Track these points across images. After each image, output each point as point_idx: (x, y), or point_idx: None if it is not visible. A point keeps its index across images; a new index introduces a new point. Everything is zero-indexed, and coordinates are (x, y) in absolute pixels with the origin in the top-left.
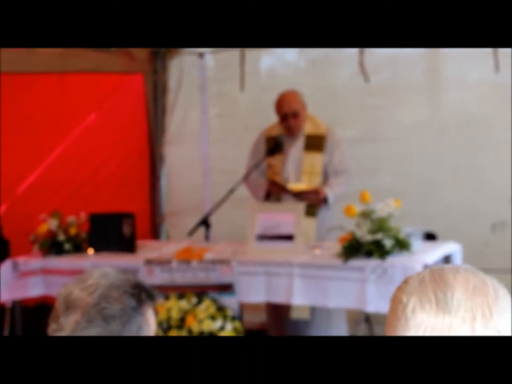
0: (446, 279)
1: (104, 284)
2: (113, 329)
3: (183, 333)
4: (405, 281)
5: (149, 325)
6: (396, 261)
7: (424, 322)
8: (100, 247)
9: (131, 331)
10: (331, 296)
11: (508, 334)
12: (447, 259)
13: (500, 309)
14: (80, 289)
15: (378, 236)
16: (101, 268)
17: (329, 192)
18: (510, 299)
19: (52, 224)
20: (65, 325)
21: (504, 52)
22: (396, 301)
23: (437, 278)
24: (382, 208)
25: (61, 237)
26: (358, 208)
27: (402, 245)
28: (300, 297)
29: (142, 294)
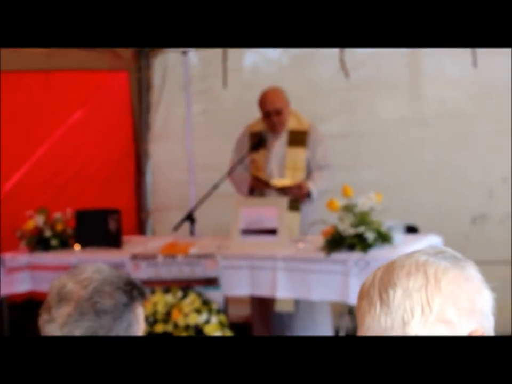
0: (391, 277)
1: (98, 278)
2: (104, 324)
3: (169, 327)
4: (362, 284)
5: (138, 322)
6: (378, 254)
7: (370, 326)
8: (86, 243)
9: (121, 327)
10: (314, 289)
11: (464, 316)
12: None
13: (442, 299)
14: (74, 283)
15: (361, 229)
16: (95, 263)
17: (313, 187)
18: (463, 281)
19: (39, 220)
20: (57, 317)
21: (482, 48)
22: (356, 307)
23: (384, 277)
24: (364, 202)
25: (48, 233)
26: (340, 202)
27: (384, 238)
28: (283, 291)
29: (134, 291)
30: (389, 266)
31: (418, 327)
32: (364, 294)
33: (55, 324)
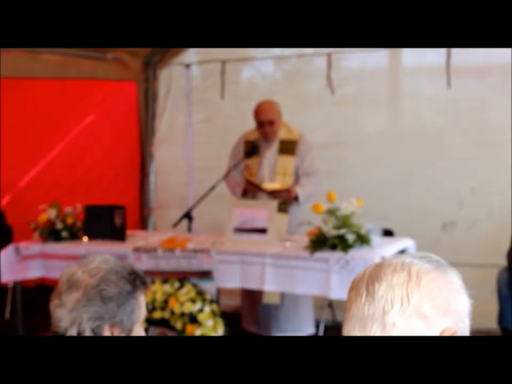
0: (379, 273)
1: (105, 268)
2: (109, 309)
3: (166, 314)
4: (354, 278)
5: (140, 308)
6: (357, 253)
7: (355, 313)
8: (94, 235)
9: (125, 312)
10: (299, 284)
11: (439, 314)
12: (402, 253)
13: (420, 295)
14: (83, 271)
15: (342, 231)
16: (102, 254)
17: (300, 192)
18: (442, 283)
19: (51, 214)
20: (67, 302)
21: (455, 69)
22: (347, 297)
23: (373, 273)
24: (346, 207)
25: (59, 226)
26: (324, 206)
27: (363, 239)
28: (271, 284)
29: (137, 280)
30: (378, 264)
31: (396, 317)
32: (353, 286)
33: (65, 308)
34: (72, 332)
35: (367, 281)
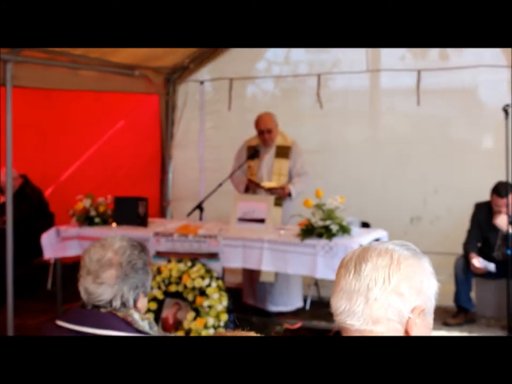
0: (366, 255)
1: (127, 246)
2: (141, 278)
3: (180, 288)
4: (343, 257)
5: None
6: (339, 241)
7: (343, 287)
8: (121, 222)
9: (148, 278)
10: (290, 265)
11: (413, 294)
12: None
13: (400, 277)
14: (111, 252)
15: (327, 222)
16: (113, 234)
17: (293, 189)
18: (418, 268)
19: (86, 203)
20: (106, 278)
21: (424, 90)
22: (336, 272)
23: (361, 254)
24: (331, 202)
25: (93, 213)
26: (313, 201)
27: (344, 230)
28: (267, 265)
29: (144, 249)
30: (365, 247)
31: (378, 294)
32: (343, 264)
33: (105, 285)
34: (117, 303)
35: (355, 261)
